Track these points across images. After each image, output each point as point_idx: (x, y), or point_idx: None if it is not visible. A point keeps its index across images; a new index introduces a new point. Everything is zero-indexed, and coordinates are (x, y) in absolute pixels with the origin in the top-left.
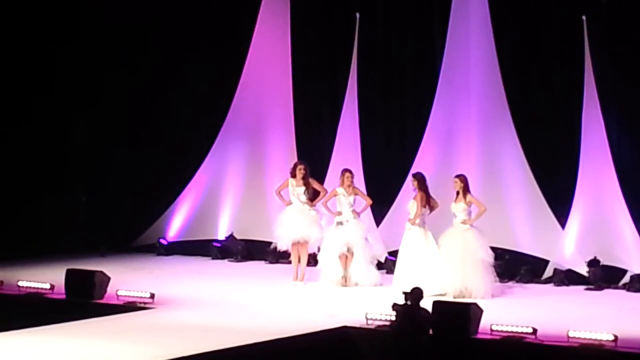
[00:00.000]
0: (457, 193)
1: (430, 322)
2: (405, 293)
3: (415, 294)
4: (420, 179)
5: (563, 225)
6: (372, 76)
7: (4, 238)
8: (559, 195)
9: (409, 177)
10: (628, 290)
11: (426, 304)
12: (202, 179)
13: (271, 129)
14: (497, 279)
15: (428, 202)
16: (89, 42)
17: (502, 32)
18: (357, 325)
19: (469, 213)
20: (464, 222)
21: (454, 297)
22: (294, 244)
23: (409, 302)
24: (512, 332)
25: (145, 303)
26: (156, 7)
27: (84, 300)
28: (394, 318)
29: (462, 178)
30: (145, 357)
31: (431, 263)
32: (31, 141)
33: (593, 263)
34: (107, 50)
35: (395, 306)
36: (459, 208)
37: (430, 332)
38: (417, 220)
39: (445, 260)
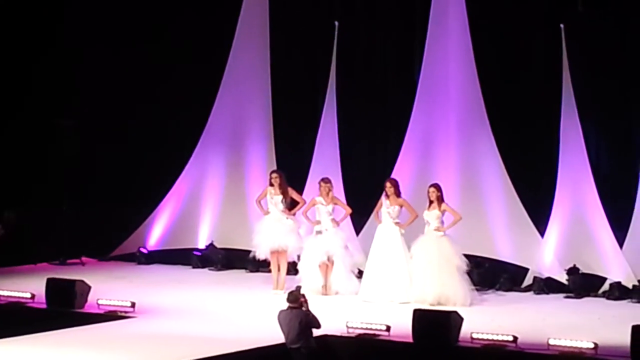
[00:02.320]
0: (431, 202)
1: (317, 324)
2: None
3: (294, 297)
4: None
5: (542, 233)
6: (351, 85)
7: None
8: (538, 204)
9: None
10: (607, 298)
11: (406, 312)
12: (182, 187)
13: (251, 138)
14: (472, 286)
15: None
16: (69, 50)
17: (480, 42)
18: (337, 333)
19: (442, 221)
20: (437, 230)
21: (432, 305)
22: (272, 253)
23: (291, 306)
24: (492, 340)
25: (126, 312)
26: (132, 17)
27: (65, 310)
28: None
29: (437, 187)
30: None
31: (402, 269)
32: (12, 149)
33: (572, 271)
34: (88, 59)
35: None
36: (432, 215)
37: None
38: (397, 221)
39: (421, 268)
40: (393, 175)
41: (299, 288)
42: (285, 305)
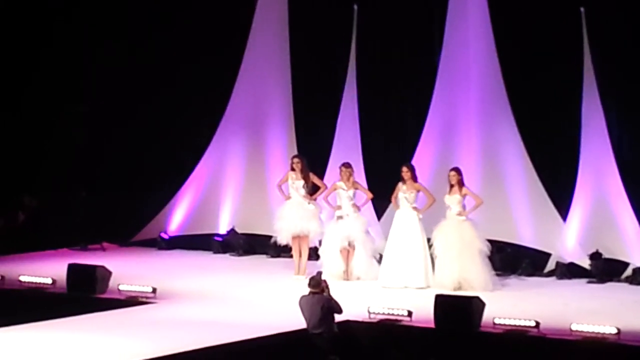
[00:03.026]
0: (451, 186)
1: (339, 309)
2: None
3: (315, 282)
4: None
5: (564, 218)
6: (371, 69)
7: (6, 233)
8: (560, 188)
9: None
10: (630, 283)
11: (428, 298)
12: (203, 172)
13: (271, 122)
14: (494, 271)
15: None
16: (84, 33)
17: (500, 26)
18: (359, 319)
19: (464, 205)
20: (459, 214)
21: (453, 290)
22: (294, 238)
23: (313, 291)
24: (515, 325)
25: (147, 297)
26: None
27: (86, 295)
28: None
29: (458, 171)
30: (147, 352)
31: (421, 254)
32: (30, 136)
33: (595, 256)
34: (104, 42)
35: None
36: (453, 200)
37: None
38: (414, 205)
39: (442, 252)
40: (414, 160)
41: (320, 273)
42: (306, 290)
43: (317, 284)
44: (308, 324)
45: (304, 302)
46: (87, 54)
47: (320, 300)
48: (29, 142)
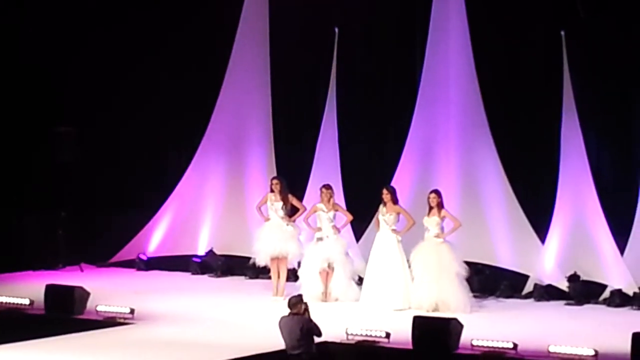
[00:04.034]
0: (431, 208)
1: (318, 332)
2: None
3: (294, 303)
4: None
5: (543, 240)
6: (351, 90)
7: None
8: (538, 210)
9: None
10: (608, 305)
11: (406, 319)
12: (182, 193)
13: (251, 143)
14: (471, 293)
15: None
16: (64, 55)
17: (481, 48)
18: (337, 340)
19: (442, 228)
20: (437, 236)
21: (429, 311)
22: (272, 259)
23: (292, 312)
24: (492, 347)
25: (125, 318)
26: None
27: (64, 316)
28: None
29: (438, 193)
30: None
31: (400, 276)
32: (10, 156)
33: (573, 278)
34: (86, 65)
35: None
36: (432, 222)
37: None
38: (393, 228)
39: (420, 274)
40: (393, 182)
41: (300, 295)
42: (285, 311)
43: (297, 305)
44: (287, 345)
45: (283, 323)
46: (68, 72)
47: (299, 321)
48: (9, 163)
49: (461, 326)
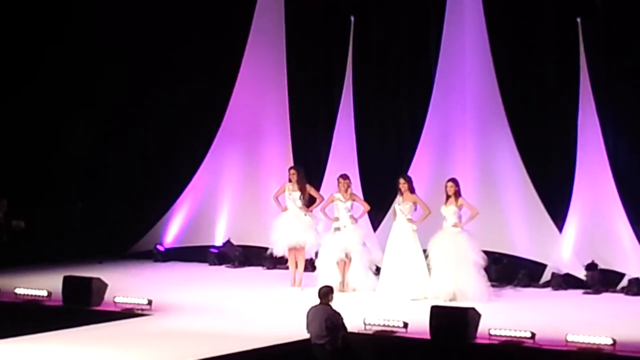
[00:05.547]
0: (448, 196)
1: (342, 327)
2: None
3: (323, 293)
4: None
5: (560, 228)
6: (367, 80)
7: (1, 245)
8: (555, 199)
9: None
10: (626, 294)
11: (424, 309)
12: (199, 184)
13: (267, 133)
14: (489, 282)
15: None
16: (79, 45)
17: (497, 35)
18: (355, 330)
19: (460, 216)
20: (455, 225)
21: (446, 301)
22: (290, 250)
23: (322, 301)
24: (510, 336)
25: (142, 309)
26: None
27: (81, 307)
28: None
29: (455, 182)
30: None
31: (416, 265)
32: (26, 148)
33: (591, 267)
34: (99, 53)
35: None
36: (449, 211)
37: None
38: (409, 217)
39: (437, 263)
40: (410, 171)
41: (330, 286)
42: (303, 301)
43: (325, 295)
44: (312, 334)
45: (311, 312)
46: (85, 72)
47: (325, 311)
48: (26, 156)
49: (479, 316)
